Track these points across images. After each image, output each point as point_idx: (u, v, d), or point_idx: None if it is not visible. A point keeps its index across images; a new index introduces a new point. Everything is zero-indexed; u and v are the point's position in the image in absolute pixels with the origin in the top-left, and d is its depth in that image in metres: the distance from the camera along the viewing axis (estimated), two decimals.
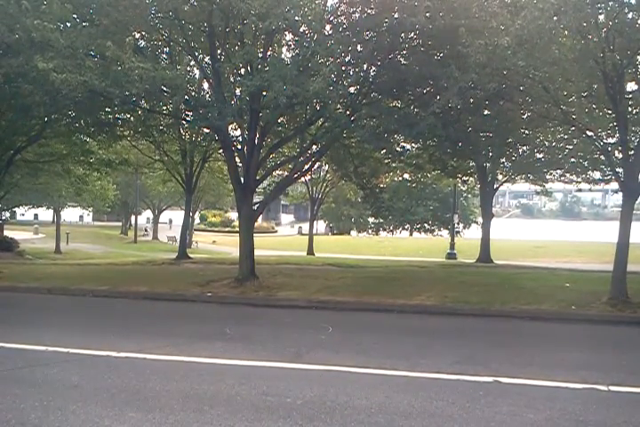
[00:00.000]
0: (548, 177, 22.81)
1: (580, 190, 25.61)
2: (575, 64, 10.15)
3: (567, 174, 21.48)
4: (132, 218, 50.84)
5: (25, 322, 8.65)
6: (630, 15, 9.63)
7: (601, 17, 9.52)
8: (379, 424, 4.28)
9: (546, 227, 75.99)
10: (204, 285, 12.39)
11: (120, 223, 55.70)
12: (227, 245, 38.12)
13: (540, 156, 20.27)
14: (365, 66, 12.13)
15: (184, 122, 14.27)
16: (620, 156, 11.81)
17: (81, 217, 65.14)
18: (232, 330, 7.98)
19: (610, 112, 12.36)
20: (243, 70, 11.74)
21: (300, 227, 60.12)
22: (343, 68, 11.52)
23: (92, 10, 10.48)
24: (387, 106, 13.06)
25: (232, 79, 12.09)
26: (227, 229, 55.63)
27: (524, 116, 15.05)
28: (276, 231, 60.95)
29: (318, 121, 13.69)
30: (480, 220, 31.24)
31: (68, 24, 10.63)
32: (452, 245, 26.57)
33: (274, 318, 9.69)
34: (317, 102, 11.87)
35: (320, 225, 59.40)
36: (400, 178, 33.48)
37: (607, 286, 10.57)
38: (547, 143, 18.96)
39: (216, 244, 42.19)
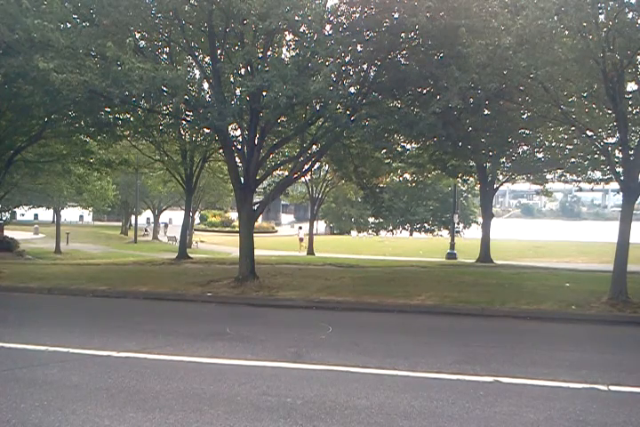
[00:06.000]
0: (548, 177, 22.85)
1: (580, 190, 25.62)
2: (575, 64, 10.15)
3: (567, 174, 21.50)
4: (132, 218, 50.84)
5: (25, 322, 8.64)
6: (630, 15, 9.63)
7: (601, 17, 9.52)
8: (379, 424, 4.28)
9: (546, 227, 76.04)
10: (205, 285, 12.39)
11: (120, 223, 55.68)
12: (226, 245, 38.13)
13: (541, 155, 20.31)
14: (365, 66, 12.13)
15: (184, 122, 14.27)
16: (620, 155, 11.81)
17: (81, 217, 65.19)
18: (232, 330, 7.98)
19: (610, 112, 12.37)
20: (243, 70, 11.74)
21: (300, 227, 60.12)
22: (343, 68, 11.52)
23: (93, 10, 10.48)
24: (387, 106, 13.06)
25: (232, 79, 12.10)
26: (227, 229, 55.61)
27: (525, 116, 15.07)
28: (276, 231, 60.92)
29: (318, 121, 13.68)
30: (480, 220, 31.25)
31: (69, 24, 10.63)
32: (452, 245, 26.58)
33: (274, 318, 9.70)
34: (317, 102, 11.87)
35: (320, 225, 59.36)
36: (400, 178, 33.52)
37: (607, 286, 10.57)
38: (547, 143, 18.99)
39: (217, 244, 42.15)
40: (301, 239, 37.12)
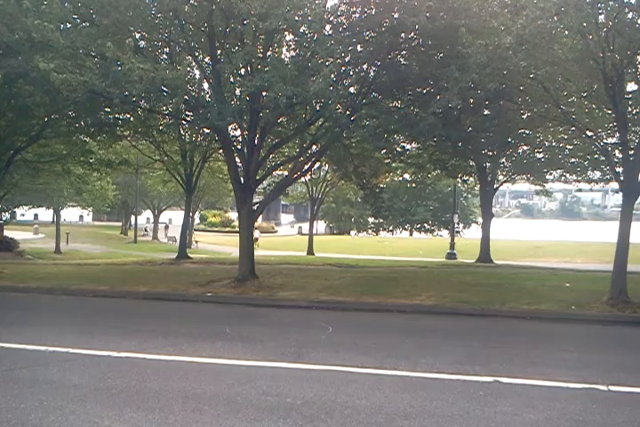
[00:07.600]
0: (548, 177, 22.87)
1: (580, 190, 25.63)
2: (575, 64, 10.15)
3: (567, 174, 21.53)
4: (132, 218, 50.84)
5: (25, 322, 8.64)
6: (630, 15, 9.63)
7: (601, 17, 9.51)
8: (378, 424, 4.28)
9: (546, 227, 76.06)
10: (204, 285, 12.40)
11: (120, 223, 55.68)
12: (225, 245, 38.16)
13: (540, 156, 20.33)
14: (365, 66, 12.13)
15: (184, 122, 14.27)
16: (620, 156, 11.81)
17: (81, 217, 65.11)
18: (232, 330, 7.98)
19: (610, 112, 12.37)
20: (243, 70, 11.74)
21: (300, 227, 60.13)
22: (343, 69, 11.52)
23: (93, 10, 10.48)
24: (387, 106, 13.06)
25: (232, 79, 12.10)
26: (227, 230, 55.64)
27: (524, 116, 15.07)
28: (276, 231, 60.94)
29: (318, 121, 13.69)
30: (480, 220, 31.27)
31: (69, 24, 10.64)
32: (452, 246, 26.62)
33: (274, 318, 9.69)
34: (317, 102, 11.87)
35: (320, 225, 59.37)
36: (400, 178, 33.55)
37: (607, 286, 10.57)
38: (547, 143, 19.00)
39: (217, 244, 42.15)
40: (256, 239, 38.21)
